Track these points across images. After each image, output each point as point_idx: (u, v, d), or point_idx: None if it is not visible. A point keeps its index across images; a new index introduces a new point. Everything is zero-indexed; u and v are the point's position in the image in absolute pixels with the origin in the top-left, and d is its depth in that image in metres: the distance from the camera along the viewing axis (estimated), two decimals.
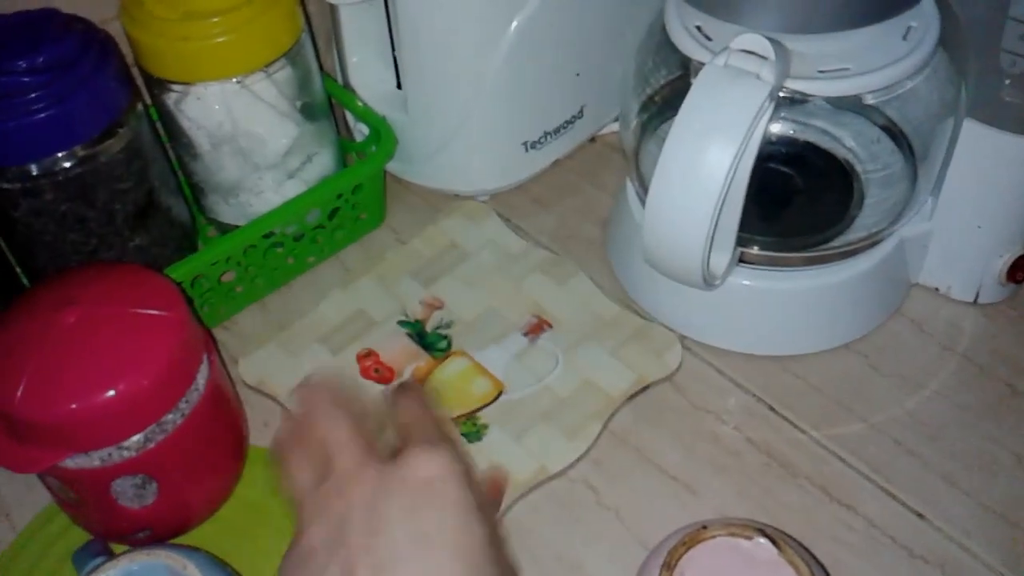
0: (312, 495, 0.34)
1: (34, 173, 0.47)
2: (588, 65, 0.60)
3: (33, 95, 0.45)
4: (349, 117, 0.62)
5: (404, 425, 0.36)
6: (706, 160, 0.42)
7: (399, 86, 0.60)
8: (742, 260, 0.51)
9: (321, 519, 0.34)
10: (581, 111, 0.62)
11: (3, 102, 0.45)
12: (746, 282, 0.52)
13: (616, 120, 0.65)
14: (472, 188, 0.62)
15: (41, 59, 0.45)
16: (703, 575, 0.37)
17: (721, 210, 0.43)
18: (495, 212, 0.61)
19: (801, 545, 0.39)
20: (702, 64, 0.44)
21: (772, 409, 0.50)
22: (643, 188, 0.55)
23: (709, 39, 0.48)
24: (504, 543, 0.36)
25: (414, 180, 0.62)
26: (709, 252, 0.45)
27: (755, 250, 0.51)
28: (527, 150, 0.60)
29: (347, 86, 0.61)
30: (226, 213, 0.57)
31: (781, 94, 0.45)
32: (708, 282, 0.47)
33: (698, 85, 0.43)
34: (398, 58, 0.58)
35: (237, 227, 0.55)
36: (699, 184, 0.43)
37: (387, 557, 0.32)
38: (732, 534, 0.38)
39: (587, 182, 0.63)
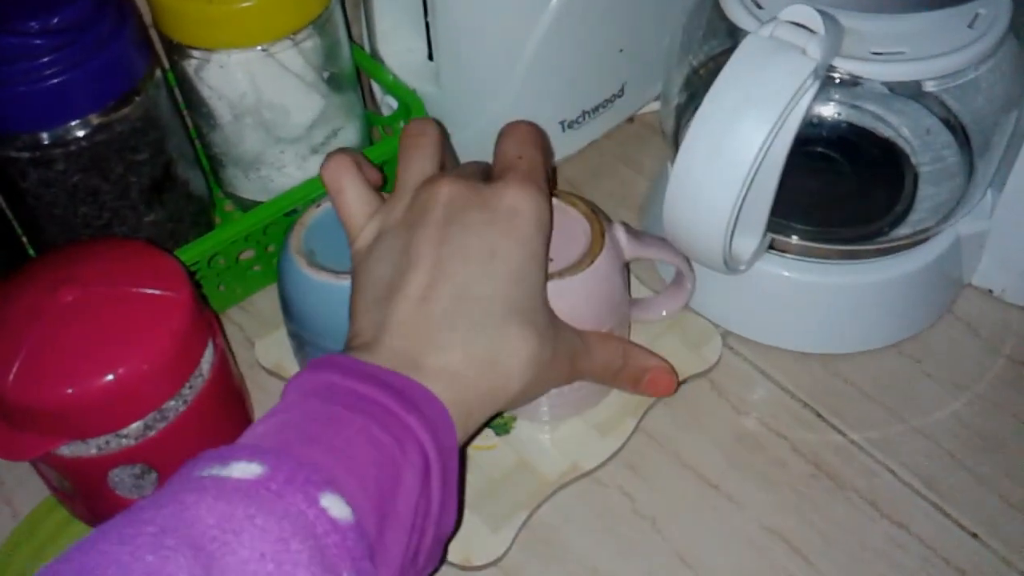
0: (407, 188, 0.39)
1: (45, 142, 0.44)
2: (632, 40, 0.56)
3: (45, 59, 0.42)
4: (376, 89, 0.59)
5: (513, 158, 0.39)
6: (737, 136, 0.40)
7: (430, 57, 0.57)
8: (783, 250, 0.48)
9: (407, 204, 0.38)
10: (622, 89, 0.58)
11: (13, 66, 0.42)
12: (787, 273, 0.49)
13: (656, 99, 0.62)
14: None
15: (55, 20, 0.42)
16: None
17: (749, 191, 0.41)
18: None
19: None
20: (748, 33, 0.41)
21: (819, 415, 0.47)
22: None
23: (760, 7, 0.45)
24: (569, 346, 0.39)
25: None
26: (732, 234, 0.42)
27: (794, 239, 0.48)
28: (564, 130, 0.57)
29: (375, 55, 0.58)
30: (246, 188, 0.54)
31: (830, 73, 0.42)
32: (731, 266, 0.45)
33: (738, 55, 0.40)
34: (431, 28, 0.55)
35: (256, 202, 0.53)
36: (727, 161, 0.40)
37: (452, 252, 0.35)
38: None
39: (623, 164, 0.60)
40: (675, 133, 0.52)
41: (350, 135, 0.55)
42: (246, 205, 0.55)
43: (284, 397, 0.34)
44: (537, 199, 0.37)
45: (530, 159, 0.39)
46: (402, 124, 0.56)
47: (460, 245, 0.35)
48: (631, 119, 0.62)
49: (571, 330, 0.40)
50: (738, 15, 0.44)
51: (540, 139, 0.41)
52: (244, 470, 0.29)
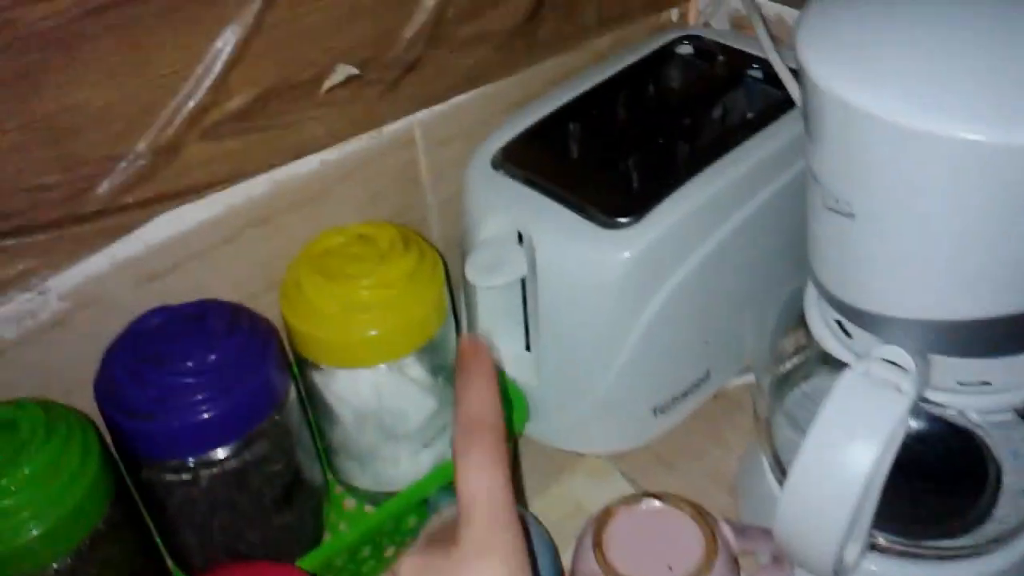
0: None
1: (191, 465, 0.48)
2: (716, 333, 0.61)
3: (199, 397, 0.46)
4: None
5: (464, 497, 0.32)
6: (845, 466, 0.43)
7: (528, 348, 0.61)
8: (878, 549, 0.50)
9: None
10: (707, 373, 0.62)
11: (168, 403, 0.46)
12: (883, 572, 0.50)
13: (737, 376, 0.65)
14: (598, 449, 0.62)
15: (212, 358, 0.47)
16: (624, 541, 0.48)
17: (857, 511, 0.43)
18: (619, 471, 0.61)
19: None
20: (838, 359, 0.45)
21: None
22: (775, 458, 0.54)
23: (848, 335, 0.48)
24: None
25: (537, 438, 0.63)
26: (843, 549, 0.44)
27: (884, 541, 0.50)
28: (655, 415, 0.61)
29: None
30: (361, 479, 0.57)
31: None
32: (839, 575, 0.47)
33: (839, 391, 0.44)
34: (531, 329, 0.59)
35: (369, 492, 0.56)
36: (837, 489, 0.43)
37: None
38: (627, 503, 0.49)
39: (711, 442, 0.63)
40: (767, 421, 0.55)
41: None
42: (359, 494, 0.58)
43: None
44: (502, 560, 0.31)
45: (489, 490, 0.32)
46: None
47: None
48: (715, 395, 0.65)
49: None
50: (829, 344, 0.48)
51: (500, 429, 0.34)
52: None
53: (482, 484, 0.32)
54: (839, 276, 0.45)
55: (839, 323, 0.49)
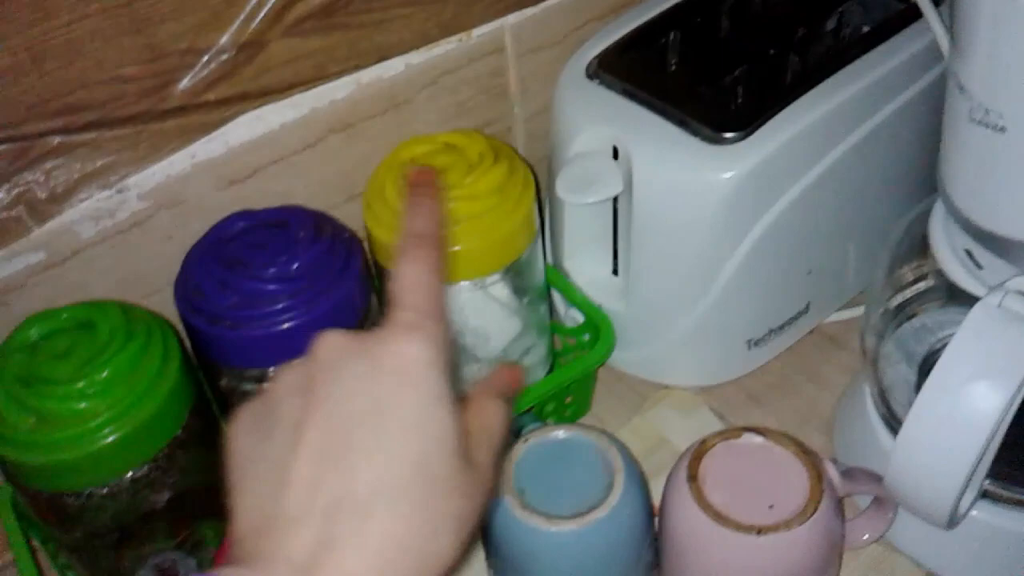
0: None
1: (271, 375, 0.46)
2: (820, 263, 0.57)
3: (280, 305, 0.44)
4: (557, 299, 0.61)
5: (399, 288, 0.34)
6: (973, 406, 0.39)
7: (615, 272, 0.58)
8: (990, 496, 0.47)
9: (288, 374, 0.33)
10: (807, 307, 0.58)
11: (251, 311, 0.44)
12: (994, 521, 0.47)
13: (836, 310, 0.62)
14: (686, 382, 0.59)
15: (294, 266, 0.45)
16: (721, 477, 0.44)
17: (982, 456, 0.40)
18: (706, 405, 0.58)
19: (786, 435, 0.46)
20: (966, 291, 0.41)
21: None
22: (880, 396, 0.51)
23: (979, 266, 0.44)
24: (490, 444, 0.34)
25: (621, 367, 0.60)
26: (962, 495, 0.41)
27: (997, 488, 0.47)
28: (749, 348, 0.57)
29: (559, 268, 0.59)
30: None
31: None
32: (953, 524, 0.44)
33: (969, 325, 0.40)
34: (620, 250, 0.56)
35: None
36: (961, 432, 0.40)
37: (342, 413, 0.31)
38: (726, 437, 0.46)
39: (806, 379, 0.60)
40: (875, 354, 0.52)
41: (540, 352, 0.56)
42: None
43: None
44: (426, 341, 0.32)
45: (424, 293, 0.34)
46: (586, 337, 0.58)
47: (347, 410, 0.31)
48: (811, 331, 0.62)
49: (473, 439, 0.34)
50: (958, 275, 0.44)
51: (437, 247, 0.36)
52: None
53: (420, 279, 0.34)
54: (978, 197, 0.41)
55: (968, 253, 0.45)
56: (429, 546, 0.30)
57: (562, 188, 0.53)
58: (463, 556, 0.31)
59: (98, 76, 0.43)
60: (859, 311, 0.60)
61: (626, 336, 0.58)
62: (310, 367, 0.32)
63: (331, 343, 0.32)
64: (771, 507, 0.43)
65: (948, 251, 0.45)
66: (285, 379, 0.33)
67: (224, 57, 0.46)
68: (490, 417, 0.35)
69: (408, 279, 0.34)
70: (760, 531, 0.42)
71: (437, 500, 0.31)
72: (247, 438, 0.33)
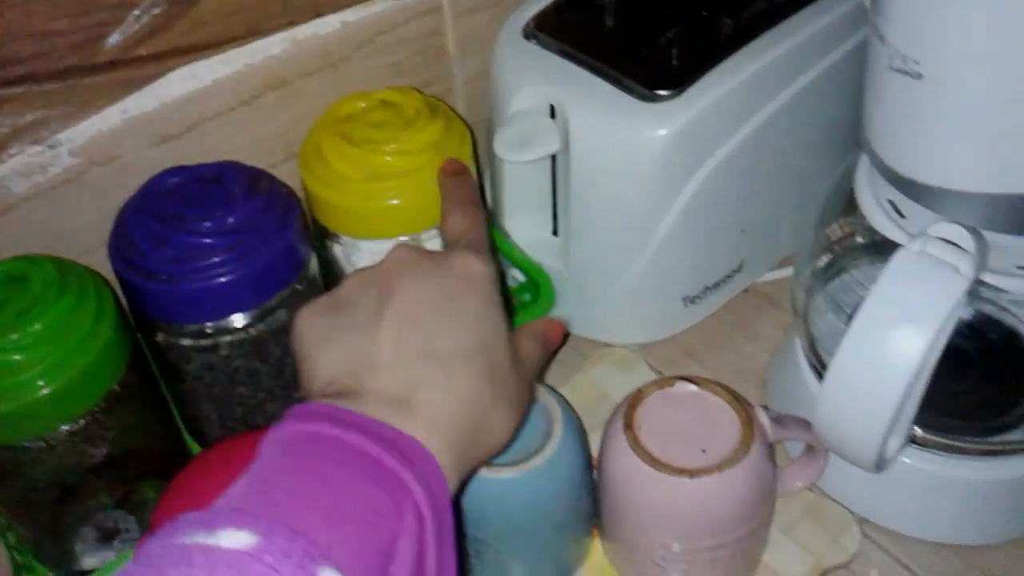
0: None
1: (209, 331, 0.46)
2: (753, 222, 0.58)
3: (216, 259, 0.44)
4: (500, 260, 0.61)
5: (456, 233, 0.42)
6: (895, 350, 0.40)
7: (555, 232, 0.59)
8: (919, 442, 0.48)
9: (361, 275, 0.38)
10: (740, 265, 0.60)
11: (187, 264, 0.44)
12: (923, 466, 0.49)
13: (770, 270, 0.63)
14: (625, 340, 0.60)
15: (230, 220, 0.45)
16: (656, 424, 0.45)
17: (905, 399, 0.41)
18: (645, 362, 0.59)
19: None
20: (889, 239, 0.42)
21: None
22: (811, 347, 0.52)
23: (902, 216, 0.46)
24: (530, 364, 0.40)
25: None
26: (887, 440, 0.43)
27: (926, 434, 0.48)
28: (685, 304, 0.58)
29: (500, 229, 0.60)
30: None
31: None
32: (880, 467, 0.45)
33: (891, 270, 0.41)
34: (560, 211, 0.57)
35: None
36: (885, 373, 0.41)
37: (419, 297, 0.36)
38: (660, 385, 0.47)
39: (742, 336, 0.61)
40: (805, 308, 0.53)
41: None
42: None
43: (265, 450, 0.32)
44: (487, 263, 0.39)
45: (478, 234, 0.42)
46: (527, 297, 0.58)
47: (423, 296, 0.36)
48: (746, 289, 0.63)
49: (520, 350, 0.40)
50: (882, 224, 0.45)
51: (481, 208, 0.45)
52: (233, 539, 0.27)
53: (473, 230, 0.42)
54: (899, 145, 0.42)
55: (892, 204, 0.46)
56: (490, 412, 0.36)
57: (500, 146, 0.53)
58: (504, 446, 0.37)
59: (26, 29, 0.43)
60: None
61: (566, 296, 0.58)
62: (384, 267, 0.38)
63: (404, 252, 0.39)
64: (704, 451, 0.44)
65: (872, 202, 0.47)
66: (360, 277, 0.38)
67: (156, 11, 0.46)
68: (529, 348, 0.40)
69: (461, 227, 0.42)
70: (692, 474, 0.43)
71: (497, 377, 0.36)
72: (322, 319, 0.37)
